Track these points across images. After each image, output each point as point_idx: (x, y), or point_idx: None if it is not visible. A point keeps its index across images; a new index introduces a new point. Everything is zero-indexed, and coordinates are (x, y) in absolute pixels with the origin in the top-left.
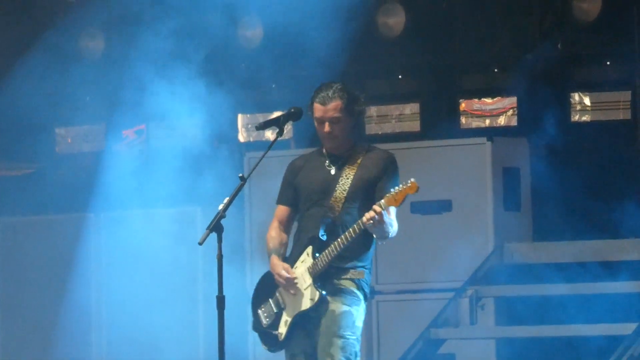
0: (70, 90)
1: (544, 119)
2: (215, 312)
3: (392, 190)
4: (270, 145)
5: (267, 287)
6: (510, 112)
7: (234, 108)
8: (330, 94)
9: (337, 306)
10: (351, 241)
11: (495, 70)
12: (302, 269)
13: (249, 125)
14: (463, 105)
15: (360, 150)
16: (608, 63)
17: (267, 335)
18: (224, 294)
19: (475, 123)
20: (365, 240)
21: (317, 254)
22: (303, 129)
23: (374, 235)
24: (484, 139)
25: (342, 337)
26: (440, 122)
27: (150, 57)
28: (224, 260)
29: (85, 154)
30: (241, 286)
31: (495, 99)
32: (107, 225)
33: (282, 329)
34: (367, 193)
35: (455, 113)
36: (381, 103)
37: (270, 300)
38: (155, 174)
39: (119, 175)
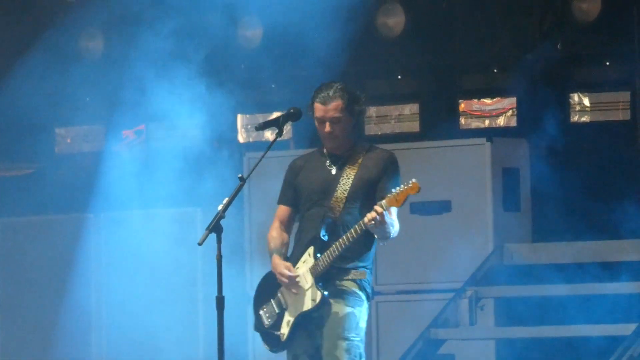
0: (70, 91)
1: (543, 120)
2: (215, 312)
3: (393, 190)
4: (269, 146)
5: (268, 288)
6: (510, 112)
7: (234, 108)
8: (330, 94)
9: (340, 308)
10: (352, 242)
11: (495, 70)
12: (303, 270)
13: (249, 126)
14: (462, 105)
15: (361, 150)
16: (608, 63)
17: (269, 336)
18: (224, 294)
19: (475, 123)
20: (366, 240)
21: (318, 255)
22: (302, 129)
23: (375, 236)
24: (483, 140)
25: (346, 339)
26: (439, 122)
27: (150, 58)
28: (224, 260)
29: (85, 154)
30: (241, 287)
31: (494, 100)
32: (107, 226)
33: (284, 330)
34: (368, 193)
35: (455, 113)
36: (380, 103)
37: (272, 300)
38: (155, 175)
39: (118, 176)
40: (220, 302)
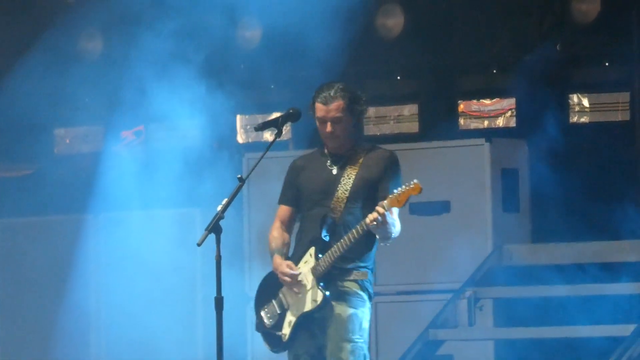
0: (70, 91)
1: (542, 120)
2: (214, 313)
3: (395, 191)
4: (268, 146)
5: (269, 288)
6: (509, 113)
7: (233, 109)
8: (332, 94)
9: (343, 310)
10: (354, 242)
11: (494, 71)
12: (305, 270)
13: (248, 126)
14: (462, 106)
15: (362, 149)
16: (607, 64)
17: (270, 336)
18: (223, 294)
19: (474, 124)
20: (367, 240)
21: (320, 255)
22: (302, 130)
23: (377, 236)
24: (482, 140)
25: (351, 341)
26: (438, 123)
27: (149, 58)
28: (223, 261)
29: (84, 155)
30: (240, 287)
31: (493, 100)
32: (106, 226)
33: (286, 330)
34: (369, 193)
35: (454, 114)
36: (380, 104)
37: (273, 301)
38: (154, 175)
39: (117, 176)
40: (219, 302)
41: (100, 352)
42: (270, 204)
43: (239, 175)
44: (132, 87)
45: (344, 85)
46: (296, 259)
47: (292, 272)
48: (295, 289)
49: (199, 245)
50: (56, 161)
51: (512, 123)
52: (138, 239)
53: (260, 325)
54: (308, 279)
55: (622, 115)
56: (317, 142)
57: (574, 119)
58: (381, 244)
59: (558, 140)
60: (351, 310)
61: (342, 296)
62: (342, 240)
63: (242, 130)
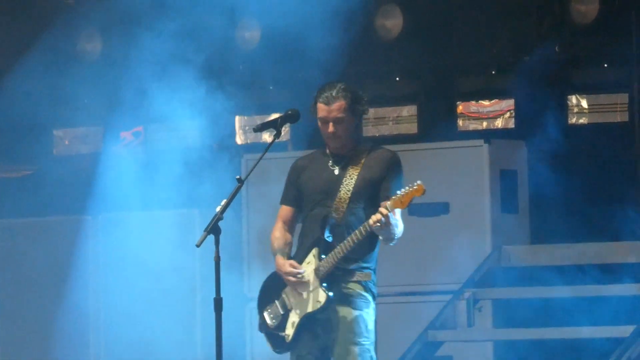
0: (69, 92)
1: (541, 122)
2: (213, 314)
3: (398, 192)
4: (267, 147)
5: (272, 289)
6: (508, 114)
7: (232, 110)
8: (334, 94)
9: (348, 312)
10: (357, 243)
11: (493, 72)
12: (308, 271)
13: (247, 127)
14: (460, 107)
15: (364, 149)
16: (606, 65)
17: (273, 337)
18: (222, 295)
19: (473, 125)
20: (370, 241)
21: (323, 256)
22: (300, 131)
23: (380, 237)
24: (481, 142)
25: (357, 344)
26: (437, 124)
27: (148, 59)
28: (222, 262)
29: (83, 156)
30: (239, 288)
31: (492, 102)
32: (105, 227)
33: (289, 331)
34: (371, 193)
35: (453, 115)
36: (378, 105)
37: (276, 301)
38: (153, 176)
39: (116, 177)
40: (218, 303)
41: (99, 353)
42: (269, 205)
43: (238, 176)
44: (131, 88)
45: (346, 85)
46: (299, 259)
47: (296, 270)
48: (298, 290)
49: (197, 246)
50: (55, 162)
51: (511, 124)
52: (137, 240)
53: (263, 325)
54: (311, 279)
55: (620, 117)
56: (316, 143)
57: (573, 120)
58: (384, 244)
59: (557, 141)
60: (356, 313)
61: (347, 298)
62: (345, 241)
63: (241, 131)
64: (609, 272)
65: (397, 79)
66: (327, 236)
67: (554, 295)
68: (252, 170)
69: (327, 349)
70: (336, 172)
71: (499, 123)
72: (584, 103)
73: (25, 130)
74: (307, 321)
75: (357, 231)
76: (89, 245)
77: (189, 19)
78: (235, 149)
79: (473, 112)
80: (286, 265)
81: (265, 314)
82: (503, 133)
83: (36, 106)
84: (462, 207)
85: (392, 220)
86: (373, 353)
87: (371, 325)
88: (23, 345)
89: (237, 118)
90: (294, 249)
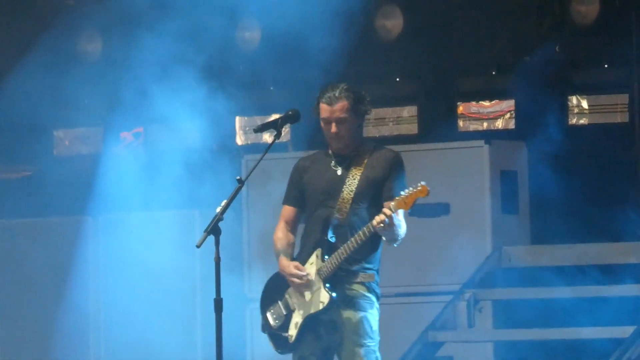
0: (69, 93)
1: (542, 122)
2: (213, 314)
3: (402, 193)
4: (268, 148)
5: (275, 289)
6: (508, 115)
7: (232, 110)
8: (336, 94)
9: (352, 314)
10: (361, 244)
11: (494, 73)
12: (311, 271)
13: (247, 128)
14: (461, 108)
15: (367, 150)
16: (606, 66)
17: (276, 337)
18: (222, 296)
19: (473, 126)
20: (373, 241)
21: (326, 257)
22: (301, 131)
23: (384, 238)
24: (481, 142)
25: (363, 345)
26: (438, 125)
27: (149, 60)
28: (222, 262)
29: (83, 157)
30: (239, 289)
31: (493, 102)
32: (105, 228)
33: (293, 331)
34: (374, 193)
35: (453, 116)
36: (379, 106)
37: (279, 302)
38: (154, 177)
39: (117, 178)
40: (218, 304)
41: (99, 354)
42: (270, 206)
43: (238, 177)
44: (132, 89)
45: (348, 86)
46: (302, 260)
47: (301, 272)
48: (303, 289)
49: (198, 246)
50: (56, 162)
51: (512, 125)
52: (137, 241)
53: (266, 326)
54: (314, 280)
55: (621, 117)
56: (317, 144)
57: (573, 120)
58: (387, 245)
59: (557, 142)
60: (361, 314)
61: (351, 300)
62: (348, 242)
63: (241, 131)
64: (610, 273)
65: (398, 79)
66: (330, 237)
67: (554, 296)
68: (252, 171)
69: (329, 349)
70: (339, 172)
71: (499, 124)
72: (585, 103)
73: (25, 131)
74: (310, 322)
75: (360, 232)
76: (89, 246)
77: (189, 19)
78: (235, 150)
79: (473, 113)
80: (291, 266)
81: (268, 315)
82: (503, 134)
83: (36, 107)
84: (463, 207)
85: (396, 221)
86: (378, 354)
87: (375, 326)
88: (23, 346)
89: (237, 119)
90: (296, 250)
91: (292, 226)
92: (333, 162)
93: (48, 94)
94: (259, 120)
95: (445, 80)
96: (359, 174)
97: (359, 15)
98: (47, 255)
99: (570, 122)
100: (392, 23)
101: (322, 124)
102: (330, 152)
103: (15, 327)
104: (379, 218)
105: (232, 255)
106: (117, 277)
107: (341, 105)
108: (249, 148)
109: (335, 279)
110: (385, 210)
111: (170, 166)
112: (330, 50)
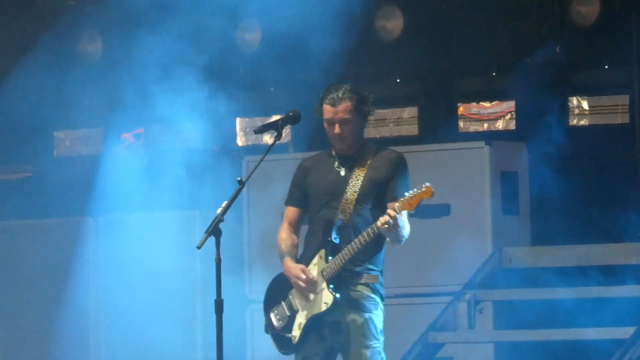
0: (69, 93)
1: (542, 123)
2: (214, 315)
3: (406, 194)
4: (268, 149)
5: (279, 290)
6: (509, 116)
7: (233, 111)
8: (340, 95)
9: (357, 316)
10: (365, 245)
11: (494, 74)
12: (315, 272)
13: (248, 129)
14: (461, 109)
15: (370, 150)
16: (606, 67)
17: (280, 338)
18: (223, 297)
19: (474, 127)
20: (376, 242)
21: (330, 257)
22: (301, 132)
23: (387, 239)
24: (482, 143)
25: (369, 347)
26: (438, 126)
27: (149, 60)
28: (223, 263)
29: (84, 158)
30: (240, 290)
31: (493, 103)
32: (106, 229)
33: (296, 332)
34: (377, 194)
35: (454, 117)
36: (379, 107)
37: (282, 302)
38: (154, 178)
39: (117, 179)
40: (219, 305)
41: (99, 355)
42: (271, 207)
43: (239, 178)
44: (132, 89)
45: (352, 87)
46: (305, 260)
47: (307, 277)
48: (307, 293)
49: (198, 247)
50: (56, 163)
51: (512, 126)
52: (138, 241)
53: (269, 327)
54: (318, 281)
55: (621, 118)
56: (317, 144)
57: (574, 121)
58: (391, 246)
59: (558, 142)
60: (366, 316)
61: (356, 302)
62: (352, 243)
63: (241, 132)
64: (609, 274)
65: (398, 80)
66: (335, 238)
67: (555, 296)
68: (253, 172)
69: (333, 350)
70: (342, 173)
71: (499, 124)
72: (585, 104)
73: (25, 132)
74: (314, 322)
75: (364, 233)
76: (89, 247)
77: (190, 20)
78: (236, 151)
79: (474, 114)
80: (296, 269)
81: (272, 315)
82: (504, 134)
83: (37, 107)
84: (463, 208)
85: (400, 222)
86: (383, 354)
87: (380, 327)
88: (23, 346)
89: (238, 120)
90: (299, 250)
91: (295, 227)
92: (336, 162)
93: (48, 95)
94: (259, 122)
95: (445, 81)
96: (363, 174)
97: (359, 16)
98: (48, 256)
99: (570, 123)
100: (393, 24)
101: (325, 124)
102: (333, 152)
103: (16, 327)
104: (383, 219)
105: (232, 256)
106: (117, 277)
107: (345, 106)
108: (250, 149)
109: (339, 280)
110: (390, 211)
111: (170, 167)
112: (330, 51)
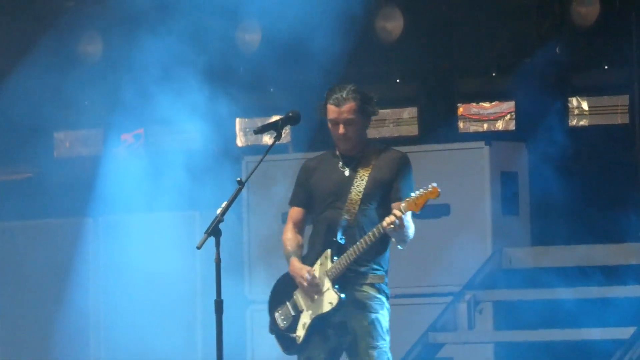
0: (69, 94)
1: (542, 123)
2: (214, 316)
3: (412, 194)
4: (268, 149)
5: (284, 290)
6: (508, 116)
7: (233, 112)
8: (344, 96)
9: (364, 316)
10: (370, 245)
11: (494, 74)
12: (320, 272)
13: (247, 129)
14: (461, 109)
15: (374, 150)
16: (606, 67)
17: (284, 338)
18: (223, 298)
19: (473, 127)
20: (382, 243)
21: (335, 258)
22: (301, 132)
23: (393, 239)
24: (482, 143)
25: (376, 348)
26: (438, 126)
27: (149, 61)
28: (222, 264)
29: (84, 158)
30: (240, 290)
31: (493, 103)
32: (106, 229)
33: (300, 332)
34: (382, 194)
35: (453, 117)
36: (379, 107)
37: (287, 302)
38: (154, 178)
39: (117, 180)
40: (219, 305)
41: (99, 355)
42: (270, 207)
43: (239, 178)
44: (132, 90)
45: (356, 87)
46: (310, 261)
47: (312, 277)
48: (312, 293)
49: (198, 248)
50: (56, 164)
51: (512, 126)
52: (138, 242)
53: (274, 327)
54: (323, 281)
55: (621, 119)
56: (317, 145)
57: (574, 122)
58: (395, 246)
59: (558, 143)
60: (372, 316)
61: (362, 302)
62: (358, 243)
63: (241, 133)
64: (609, 274)
65: (398, 80)
66: (340, 238)
67: (555, 297)
68: (252, 172)
69: (337, 351)
70: (346, 173)
71: (499, 125)
72: (585, 105)
73: (26, 133)
74: (319, 322)
75: (370, 233)
76: (89, 247)
77: (190, 21)
78: (235, 151)
79: (474, 114)
80: (302, 269)
81: (276, 315)
82: (504, 135)
83: (37, 108)
84: (463, 209)
85: (405, 222)
86: (389, 354)
87: (387, 326)
88: (23, 347)
89: (237, 120)
90: (304, 251)
91: (300, 227)
92: (340, 163)
93: (48, 96)
94: (259, 122)
95: (445, 82)
96: (367, 174)
97: (359, 16)
98: (48, 256)
99: (570, 124)
100: (393, 24)
101: (329, 125)
102: (337, 153)
103: (16, 327)
104: (389, 219)
105: (232, 256)
106: (117, 278)
107: (349, 106)
108: (249, 149)
109: (345, 280)
110: (396, 211)
111: (170, 168)
112: (330, 52)
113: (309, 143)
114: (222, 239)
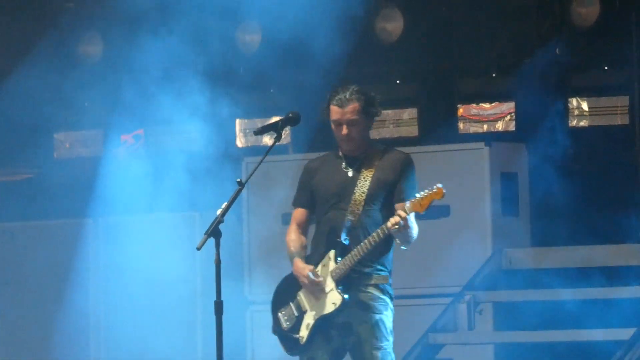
0: (69, 95)
1: (542, 124)
2: (214, 317)
3: (417, 195)
4: (268, 150)
5: (287, 290)
6: (508, 117)
7: (233, 113)
8: (347, 96)
9: (368, 317)
10: (375, 245)
11: (494, 75)
12: (324, 273)
13: (247, 130)
14: (461, 110)
15: (377, 151)
16: (606, 68)
17: (287, 339)
18: (222, 299)
19: (473, 128)
20: (385, 243)
21: (339, 258)
22: (301, 133)
23: (397, 240)
24: (482, 144)
25: (380, 348)
26: (438, 127)
27: (149, 62)
28: (222, 265)
29: (84, 159)
30: (240, 291)
31: (493, 104)
32: (106, 230)
33: (304, 333)
34: (386, 195)
35: (453, 118)
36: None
37: (291, 303)
38: (154, 179)
39: (117, 180)
40: (219, 306)
41: (99, 356)
42: (270, 208)
43: (239, 179)
44: (132, 91)
45: (359, 88)
46: (314, 261)
47: (314, 279)
48: (315, 293)
49: (198, 249)
50: (56, 165)
51: (512, 127)
52: (138, 243)
53: (277, 327)
54: (327, 281)
55: (621, 119)
56: (317, 146)
57: (573, 122)
58: (401, 247)
59: (557, 144)
60: (377, 317)
61: (366, 303)
62: (362, 244)
63: (241, 134)
64: (610, 275)
65: (398, 81)
66: (345, 239)
67: (555, 298)
68: (252, 173)
69: (340, 351)
70: (350, 174)
71: (499, 126)
72: (585, 105)
73: (26, 134)
74: (322, 323)
75: (374, 234)
76: (89, 248)
77: (190, 22)
78: (235, 152)
79: (473, 115)
80: (306, 269)
81: (280, 316)
82: (504, 136)
83: (37, 109)
84: (463, 209)
85: (410, 223)
86: (393, 355)
87: (390, 327)
88: (23, 348)
89: (237, 121)
90: (307, 252)
91: (303, 228)
92: (344, 163)
93: (48, 96)
94: (259, 123)
95: (445, 82)
96: (370, 175)
97: (359, 17)
98: (48, 257)
99: (570, 124)
100: (393, 25)
101: (332, 126)
102: (340, 153)
103: (16, 327)
104: (393, 220)
105: (232, 257)
106: (117, 279)
107: (352, 107)
108: (249, 150)
109: (348, 280)
110: (400, 212)
111: (170, 168)
112: (330, 53)
113: (309, 144)
114: (222, 239)
